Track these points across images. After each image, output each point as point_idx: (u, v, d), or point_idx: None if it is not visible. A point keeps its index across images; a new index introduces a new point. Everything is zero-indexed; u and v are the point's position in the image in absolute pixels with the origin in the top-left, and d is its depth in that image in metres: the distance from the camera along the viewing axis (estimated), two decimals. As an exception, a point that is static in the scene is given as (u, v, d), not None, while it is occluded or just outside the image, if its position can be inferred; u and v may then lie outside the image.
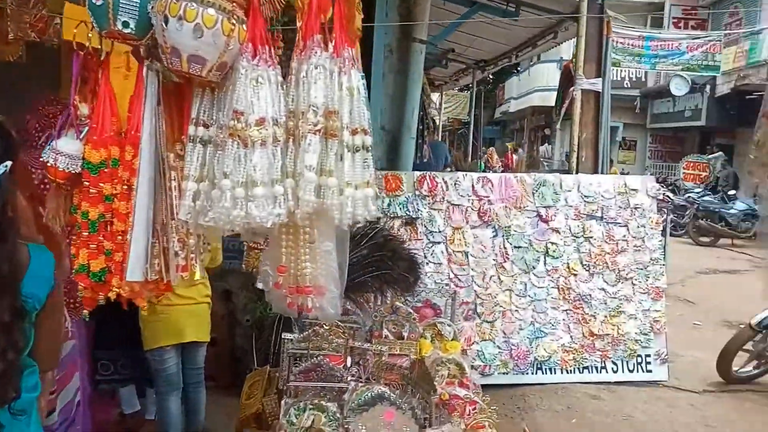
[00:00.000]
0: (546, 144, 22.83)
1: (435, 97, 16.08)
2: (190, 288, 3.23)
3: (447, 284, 4.71)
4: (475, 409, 2.76)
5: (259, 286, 1.65)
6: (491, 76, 25.02)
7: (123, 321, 3.46)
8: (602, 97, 5.75)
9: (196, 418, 3.47)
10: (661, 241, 5.15)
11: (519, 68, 24.59)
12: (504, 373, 4.76)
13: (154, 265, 1.54)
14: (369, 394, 2.30)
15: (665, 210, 5.55)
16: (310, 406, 2.34)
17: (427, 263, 4.79)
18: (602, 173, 5.58)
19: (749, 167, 1.73)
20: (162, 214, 1.54)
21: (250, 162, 1.43)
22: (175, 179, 1.56)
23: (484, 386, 4.66)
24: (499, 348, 4.78)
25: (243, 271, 4.36)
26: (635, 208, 5.11)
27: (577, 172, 5.47)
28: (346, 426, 2.27)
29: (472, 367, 4.70)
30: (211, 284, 3.49)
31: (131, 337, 3.47)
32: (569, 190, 5.05)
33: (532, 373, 4.81)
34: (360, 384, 2.62)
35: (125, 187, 1.62)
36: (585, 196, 5.06)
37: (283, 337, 3.13)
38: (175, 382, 3.29)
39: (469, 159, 14.20)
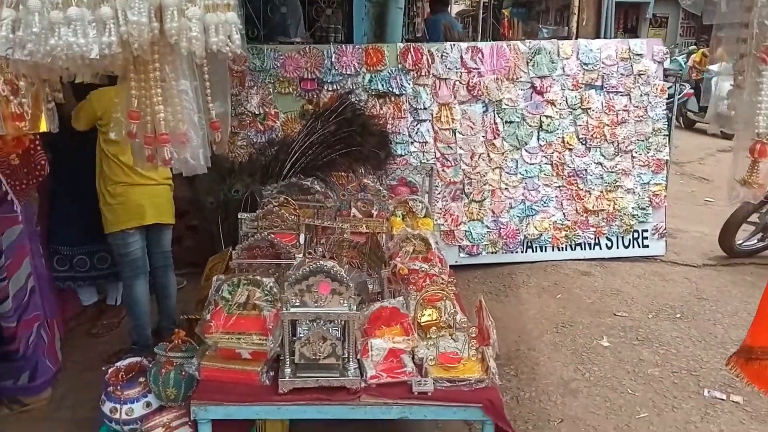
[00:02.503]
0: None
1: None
2: (151, 169, 3.05)
3: (434, 164, 4.46)
4: (432, 282, 2.61)
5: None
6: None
7: (81, 216, 3.37)
8: (610, -51, 5.10)
9: (167, 302, 3.43)
10: (665, 110, 4.75)
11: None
12: (492, 253, 4.62)
13: (-19, 116, 1.32)
14: (307, 268, 2.14)
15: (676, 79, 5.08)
16: (244, 282, 2.22)
17: (412, 142, 4.53)
18: (605, 37, 5.06)
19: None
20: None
21: (62, -25, 1.17)
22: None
23: (472, 266, 4.58)
24: (488, 227, 4.60)
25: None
26: (639, 75, 4.69)
27: (577, 38, 4.96)
28: (283, 300, 2.14)
29: (460, 247, 4.60)
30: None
31: (88, 233, 3.39)
32: (567, 58, 4.63)
33: (522, 252, 4.66)
34: (307, 260, 2.48)
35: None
36: (584, 64, 4.64)
37: (239, 217, 3.01)
38: (141, 266, 3.21)
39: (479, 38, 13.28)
